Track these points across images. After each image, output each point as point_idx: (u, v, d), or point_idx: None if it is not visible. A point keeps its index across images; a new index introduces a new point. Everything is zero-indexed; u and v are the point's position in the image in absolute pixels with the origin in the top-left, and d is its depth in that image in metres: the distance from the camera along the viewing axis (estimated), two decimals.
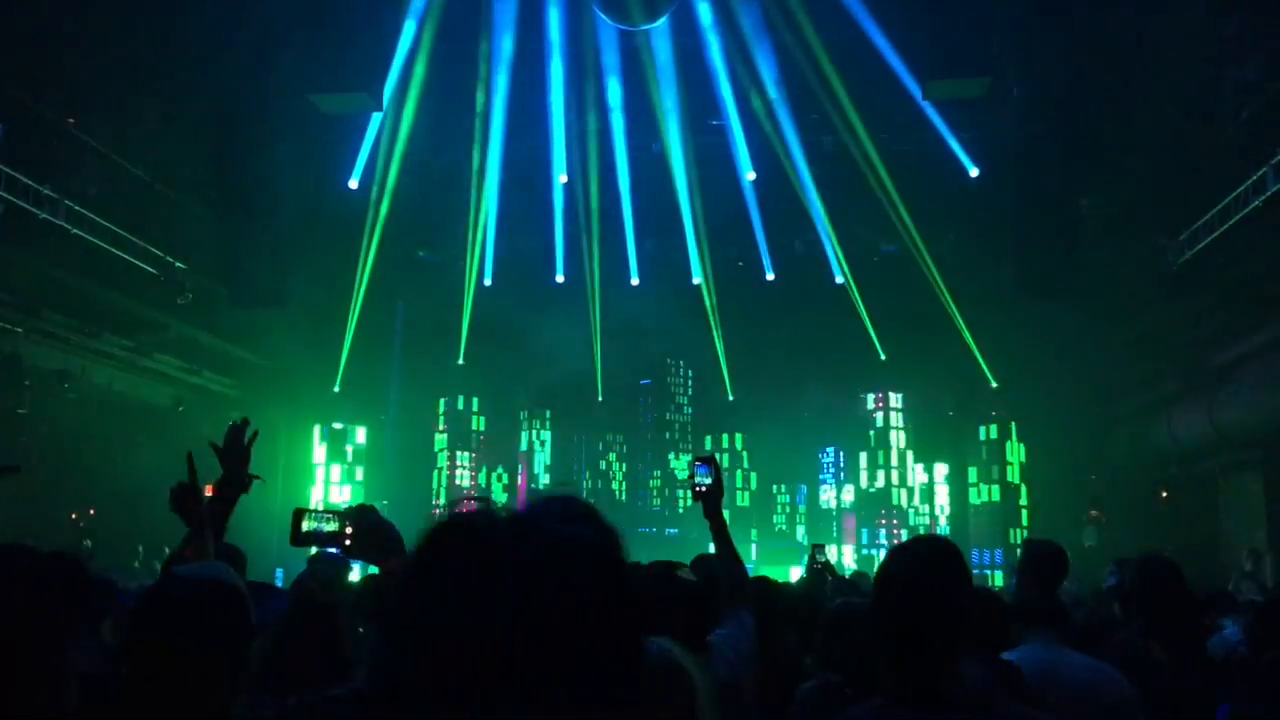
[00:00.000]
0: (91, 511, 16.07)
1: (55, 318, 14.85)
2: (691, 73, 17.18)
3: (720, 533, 3.44)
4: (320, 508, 3.11)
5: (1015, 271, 16.08)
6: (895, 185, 17.89)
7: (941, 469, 21.30)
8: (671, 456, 24.74)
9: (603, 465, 24.92)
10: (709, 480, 3.45)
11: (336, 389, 20.52)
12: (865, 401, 21.89)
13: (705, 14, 16.47)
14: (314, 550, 3.99)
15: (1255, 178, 12.95)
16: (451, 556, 0.95)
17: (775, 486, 23.93)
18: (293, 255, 16.86)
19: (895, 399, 21.59)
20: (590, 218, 20.21)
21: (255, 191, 15.85)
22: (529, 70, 17.20)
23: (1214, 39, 14.06)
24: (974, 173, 17.18)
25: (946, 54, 13.87)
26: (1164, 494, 18.39)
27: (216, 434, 3.14)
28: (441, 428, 22.68)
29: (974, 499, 20.58)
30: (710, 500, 3.45)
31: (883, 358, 20.93)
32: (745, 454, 24.25)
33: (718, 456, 23.21)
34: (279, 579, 12.23)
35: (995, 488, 20.18)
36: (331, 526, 2.38)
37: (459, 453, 22.45)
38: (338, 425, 21.32)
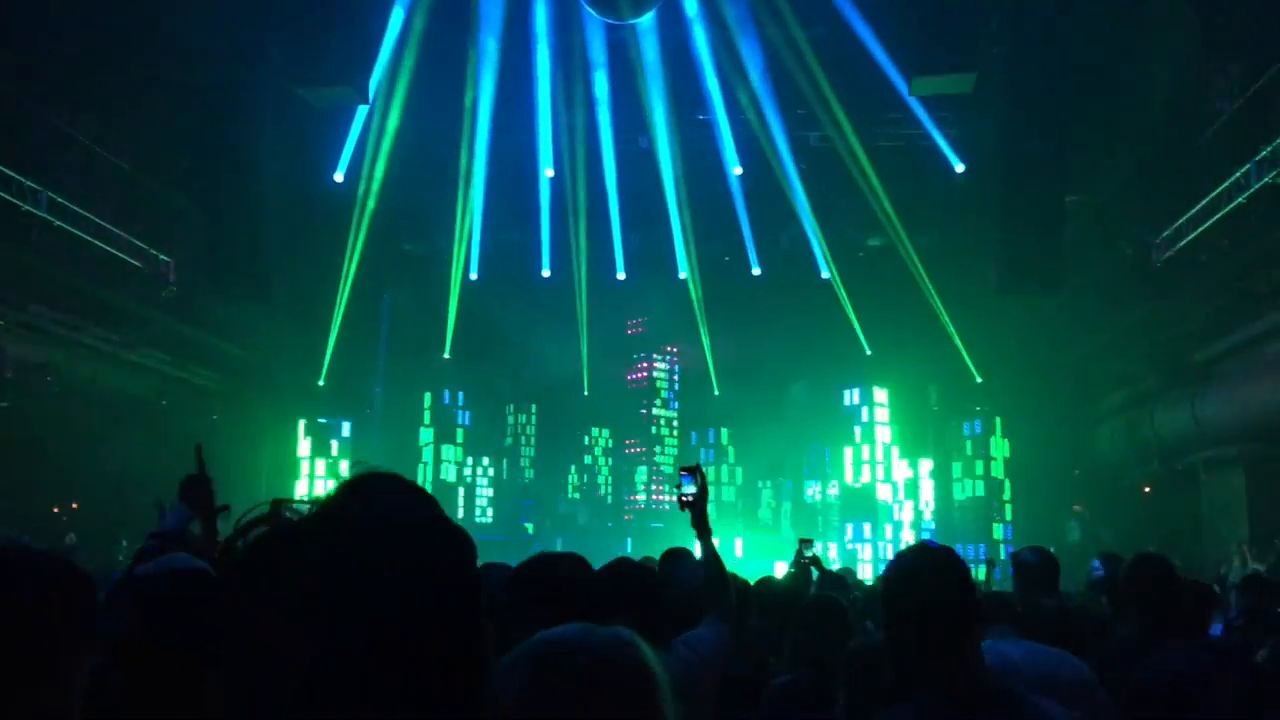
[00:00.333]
0: (74, 505, 15.98)
1: (37, 310, 14.75)
2: (678, 67, 17.19)
3: (705, 540, 3.48)
4: (299, 499, 3.11)
5: (1000, 267, 16.14)
6: (881, 180, 17.93)
7: (926, 464, 21.35)
8: (657, 450, 24.76)
9: (588, 459, 24.91)
10: (694, 489, 3.50)
11: (321, 382, 20.44)
12: (850, 396, 21.94)
13: (692, 8, 16.46)
14: None
15: (1238, 175, 13.02)
16: (277, 569, 0.92)
17: (760, 482, 23.96)
18: (278, 249, 16.78)
19: (880, 394, 21.64)
20: (577, 212, 20.20)
21: (240, 185, 15.77)
22: (516, 64, 17.18)
23: (1197, 37, 14.13)
24: (959, 168, 17.24)
25: (932, 50, 13.90)
26: (1147, 488, 18.51)
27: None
28: (427, 422, 22.62)
29: (958, 494, 20.64)
30: (695, 509, 3.49)
31: (868, 352, 20.98)
32: (731, 449, 24.28)
33: (703, 455, 23.31)
34: None
35: (979, 483, 20.24)
36: None
37: (445, 446, 22.40)
38: (323, 419, 21.23)
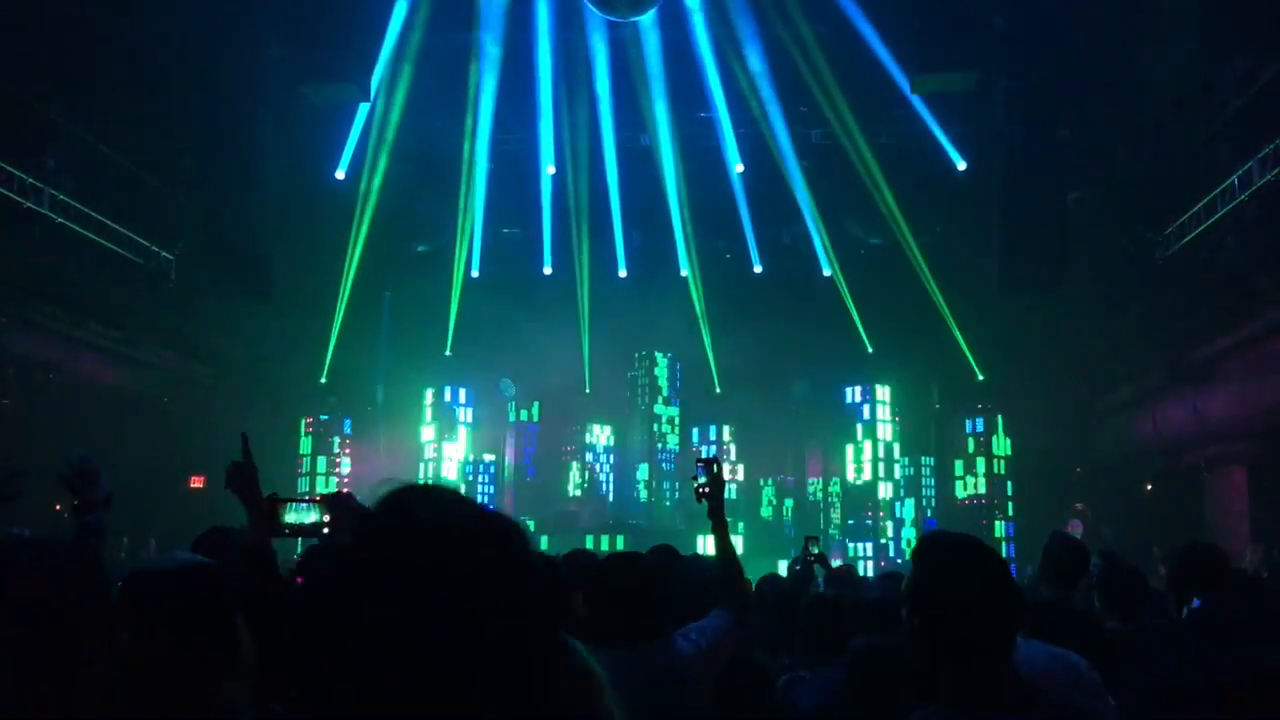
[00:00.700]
0: (75, 503, 15.97)
1: (39, 307, 14.74)
2: (680, 65, 17.16)
3: (721, 531, 3.53)
4: (296, 496, 3.11)
5: (1002, 264, 16.13)
6: (883, 178, 17.92)
7: (928, 462, 21.36)
8: (659, 448, 24.74)
9: (589, 457, 24.90)
10: (709, 482, 3.57)
11: (323, 380, 20.45)
12: (852, 394, 21.94)
13: (694, 6, 16.44)
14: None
15: (1241, 172, 13.00)
16: (387, 557, 0.95)
17: (762, 479, 23.96)
18: (279, 246, 16.78)
19: (882, 391, 21.64)
20: (578, 209, 20.18)
21: (242, 181, 15.77)
22: (517, 61, 17.17)
23: (1200, 34, 14.10)
24: (961, 166, 17.22)
25: (934, 48, 13.90)
26: (1149, 486, 18.49)
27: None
28: (428, 419, 22.61)
29: (960, 492, 20.64)
30: (712, 501, 3.55)
31: (869, 350, 20.96)
32: (733, 446, 24.27)
33: (705, 453, 23.29)
34: None
35: (981, 480, 20.26)
36: (313, 517, 2.37)
37: (446, 444, 22.39)
38: (324, 416, 21.25)
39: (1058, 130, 15.26)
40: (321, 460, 21.23)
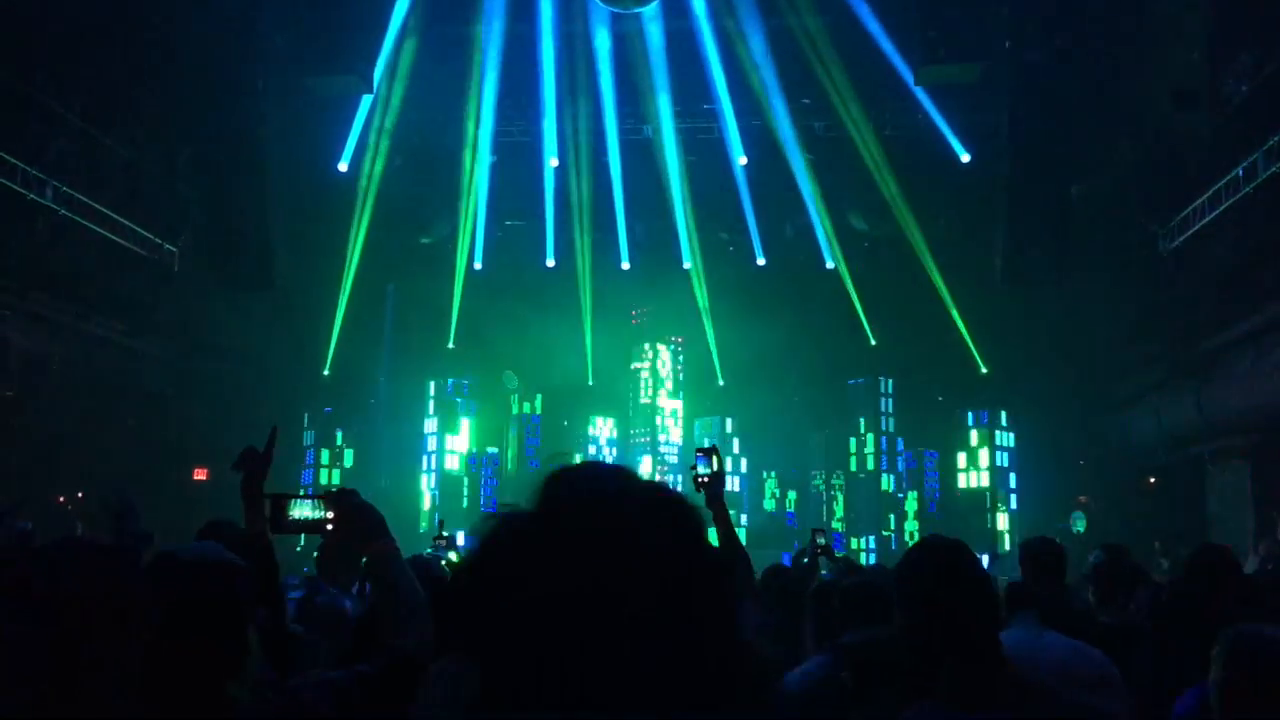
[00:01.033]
0: (80, 495, 16.00)
1: (43, 299, 14.75)
2: (683, 56, 17.13)
3: (721, 521, 3.52)
4: (300, 492, 3.12)
5: (1005, 257, 16.11)
6: (887, 170, 17.89)
7: (931, 455, 21.36)
8: (661, 441, 24.73)
9: (593, 449, 24.89)
10: (709, 471, 3.58)
11: (326, 372, 20.45)
12: (855, 387, 21.93)
13: None
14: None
15: (1245, 164, 12.96)
16: (573, 524, 0.98)
17: (765, 471, 23.95)
18: (282, 238, 16.78)
19: (885, 384, 21.62)
20: (581, 201, 20.17)
21: (245, 173, 15.76)
22: (520, 53, 17.14)
23: (1205, 27, 14.06)
24: (965, 158, 17.18)
25: (938, 40, 13.86)
26: (1152, 480, 18.47)
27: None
28: (431, 411, 22.61)
29: (962, 485, 20.65)
30: (711, 489, 3.55)
31: (873, 342, 20.94)
32: (735, 438, 24.25)
33: (708, 442, 23.28)
34: None
35: (984, 473, 20.25)
36: (316, 514, 2.36)
37: (449, 436, 22.39)
38: (327, 409, 21.26)
39: (1061, 122, 15.21)
40: (325, 452, 21.24)
